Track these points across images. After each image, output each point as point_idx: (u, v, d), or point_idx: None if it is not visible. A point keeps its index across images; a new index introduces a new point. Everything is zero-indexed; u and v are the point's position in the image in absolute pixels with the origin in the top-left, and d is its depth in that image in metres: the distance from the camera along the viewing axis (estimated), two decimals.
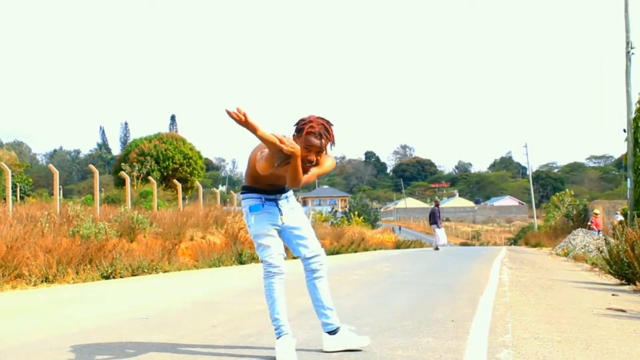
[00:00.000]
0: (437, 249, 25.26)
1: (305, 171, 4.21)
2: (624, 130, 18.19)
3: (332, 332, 4.51)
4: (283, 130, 4.26)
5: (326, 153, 4.30)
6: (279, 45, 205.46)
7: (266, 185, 4.42)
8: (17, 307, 7.56)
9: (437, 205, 26.56)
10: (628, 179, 18.35)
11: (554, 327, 5.69)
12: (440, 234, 25.70)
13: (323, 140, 4.15)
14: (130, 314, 6.53)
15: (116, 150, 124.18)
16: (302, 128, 4.15)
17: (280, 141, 3.97)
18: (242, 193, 4.51)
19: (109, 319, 6.23)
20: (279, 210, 4.45)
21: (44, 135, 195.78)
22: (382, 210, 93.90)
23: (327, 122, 4.21)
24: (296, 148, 4.04)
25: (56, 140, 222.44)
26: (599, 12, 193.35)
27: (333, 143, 4.26)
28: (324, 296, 4.52)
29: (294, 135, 4.21)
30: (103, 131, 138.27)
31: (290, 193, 4.55)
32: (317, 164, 4.23)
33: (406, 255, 21.13)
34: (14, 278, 9.78)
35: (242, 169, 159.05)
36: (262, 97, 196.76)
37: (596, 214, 27.80)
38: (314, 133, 4.13)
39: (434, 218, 25.66)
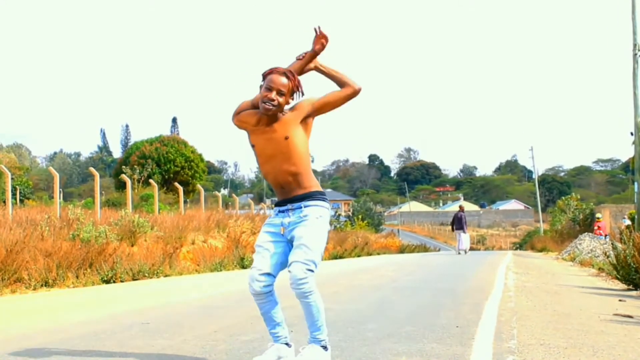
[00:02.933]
0: (459, 253, 25.71)
1: (266, 112, 3.99)
2: (631, 134, 18.10)
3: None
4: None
5: (285, 102, 4.05)
6: (281, 47, 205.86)
7: (276, 187, 4.12)
8: (17, 311, 7.52)
9: (462, 210, 26.80)
10: (635, 183, 18.23)
11: (560, 333, 5.65)
12: (465, 238, 25.98)
13: (289, 81, 4.02)
14: (131, 319, 6.47)
15: (117, 152, 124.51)
16: (267, 73, 4.07)
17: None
18: None
19: (109, 323, 6.17)
20: (283, 220, 4.09)
21: (44, 138, 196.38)
22: (385, 214, 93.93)
23: (292, 72, 4.10)
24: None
25: (56, 143, 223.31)
26: (605, 14, 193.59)
27: (299, 90, 4.09)
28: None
29: (260, 85, 4.08)
30: (104, 134, 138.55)
31: (312, 203, 4.05)
32: (279, 106, 3.99)
33: (410, 260, 21.06)
34: (14, 282, 9.73)
35: (243, 172, 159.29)
36: None
37: (598, 218, 27.69)
38: (279, 72, 4.03)
39: (460, 223, 25.89)
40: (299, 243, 3.93)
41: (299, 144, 4.05)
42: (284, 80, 4.00)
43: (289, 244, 4.05)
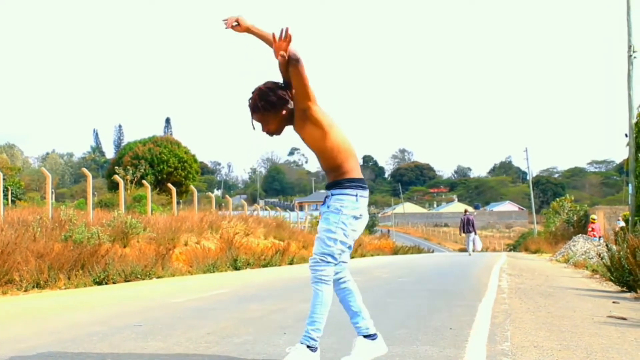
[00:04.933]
0: (470, 254, 26.32)
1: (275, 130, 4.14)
2: (626, 135, 18.06)
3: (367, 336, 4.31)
4: None
5: (279, 119, 4.10)
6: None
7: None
8: (8, 313, 7.48)
9: (467, 212, 27.41)
10: (629, 185, 18.18)
11: (553, 335, 5.64)
12: (477, 240, 26.78)
13: (256, 114, 4.11)
14: (123, 321, 6.44)
15: (110, 153, 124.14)
16: None
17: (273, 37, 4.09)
18: None
19: (102, 326, 6.14)
20: (322, 209, 4.27)
21: (36, 138, 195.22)
22: (380, 215, 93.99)
23: (254, 91, 4.13)
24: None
25: (49, 143, 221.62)
26: (600, 15, 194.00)
27: (265, 106, 4.07)
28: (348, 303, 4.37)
29: None
30: (97, 134, 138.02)
31: (337, 192, 4.14)
32: (275, 131, 4.15)
33: (404, 262, 21.07)
34: (5, 283, 9.70)
35: (237, 172, 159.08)
36: None
37: (593, 220, 27.67)
38: (250, 109, 4.15)
39: (473, 225, 26.44)
40: (318, 236, 4.14)
41: (315, 143, 4.15)
42: (256, 116, 4.13)
43: None
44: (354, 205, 4.11)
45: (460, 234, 28.07)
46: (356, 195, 4.12)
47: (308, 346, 4.06)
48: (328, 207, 4.14)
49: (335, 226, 4.08)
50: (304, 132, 4.13)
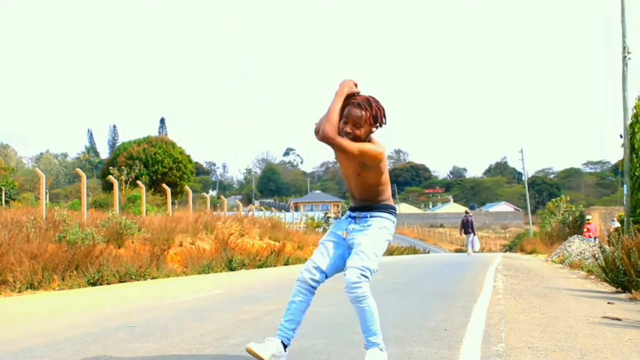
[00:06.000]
0: (469, 254, 26.67)
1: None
2: (621, 136, 18.06)
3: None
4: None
5: (367, 132, 4.05)
6: (268, 48, 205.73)
7: (351, 195, 4.35)
8: (1, 314, 7.46)
9: (468, 214, 27.79)
10: (624, 185, 18.19)
11: (548, 336, 5.65)
12: (476, 241, 27.32)
13: (363, 112, 4.01)
14: (117, 322, 6.42)
15: (104, 153, 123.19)
16: (347, 103, 4.08)
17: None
18: None
19: (95, 327, 6.12)
20: (348, 225, 4.26)
21: (30, 138, 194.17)
22: None
23: (375, 99, 4.09)
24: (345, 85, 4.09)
25: (43, 143, 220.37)
26: (595, 16, 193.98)
27: (379, 120, 4.07)
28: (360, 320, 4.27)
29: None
30: (91, 134, 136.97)
31: (378, 214, 4.22)
32: (356, 137, 4.02)
33: (399, 262, 21.06)
34: None
35: (232, 173, 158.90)
36: (251, 101, 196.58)
37: (588, 220, 27.74)
38: (354, 104, 4.03)
39: (472, 226, 26.95)
40: (358, 250, 4.10)
41: (371, 177, 4.16)
42: (358, 112, 4.02)
43: (349, 249, 4.20)
44: (391, 229, 4.26)
45: (460, 234, 28.45)
46: (394, 222, 4.28)
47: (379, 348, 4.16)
48: (369, 225, 4.17)
49: (380, 242, 4.16)
50: (365, 173, 4.13)
